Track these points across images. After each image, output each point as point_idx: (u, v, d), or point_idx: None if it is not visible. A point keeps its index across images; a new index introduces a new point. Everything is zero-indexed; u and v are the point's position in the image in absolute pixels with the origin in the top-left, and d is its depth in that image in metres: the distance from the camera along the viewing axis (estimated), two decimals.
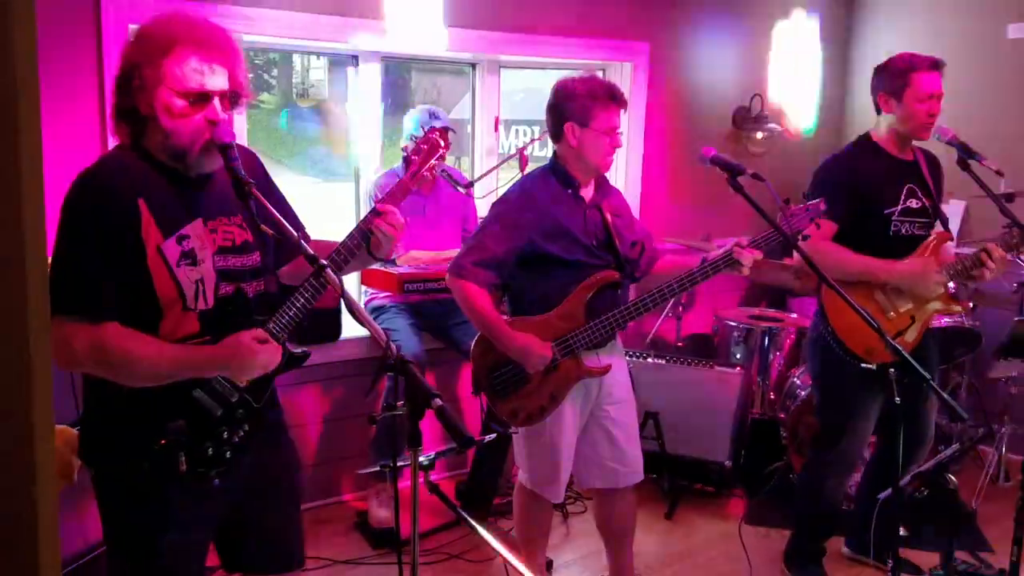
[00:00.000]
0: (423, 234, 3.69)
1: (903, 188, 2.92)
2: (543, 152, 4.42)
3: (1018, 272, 3.74)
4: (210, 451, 1.79)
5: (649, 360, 4.01)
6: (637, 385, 3.28)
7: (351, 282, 3.82)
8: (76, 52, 3.06)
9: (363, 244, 1.89)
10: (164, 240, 1.71)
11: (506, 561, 2.09)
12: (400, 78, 4.68)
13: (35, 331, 0.77)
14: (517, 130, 4.84)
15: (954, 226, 4.27)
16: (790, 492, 3.74)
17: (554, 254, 2.58)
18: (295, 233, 1.74)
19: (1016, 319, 3.74)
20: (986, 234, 3.11)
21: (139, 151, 1.75)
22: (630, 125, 4.36)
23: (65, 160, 2.37)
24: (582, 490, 2.90)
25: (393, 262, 3.53)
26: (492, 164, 4.02)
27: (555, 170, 2.67)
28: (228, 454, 1.82)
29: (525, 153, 3.62)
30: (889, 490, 2.43)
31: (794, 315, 4.33)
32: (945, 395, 2.22)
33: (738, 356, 4.19)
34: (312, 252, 1.72)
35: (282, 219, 1.74)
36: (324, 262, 1.71)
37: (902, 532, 3.45)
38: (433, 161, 2.00)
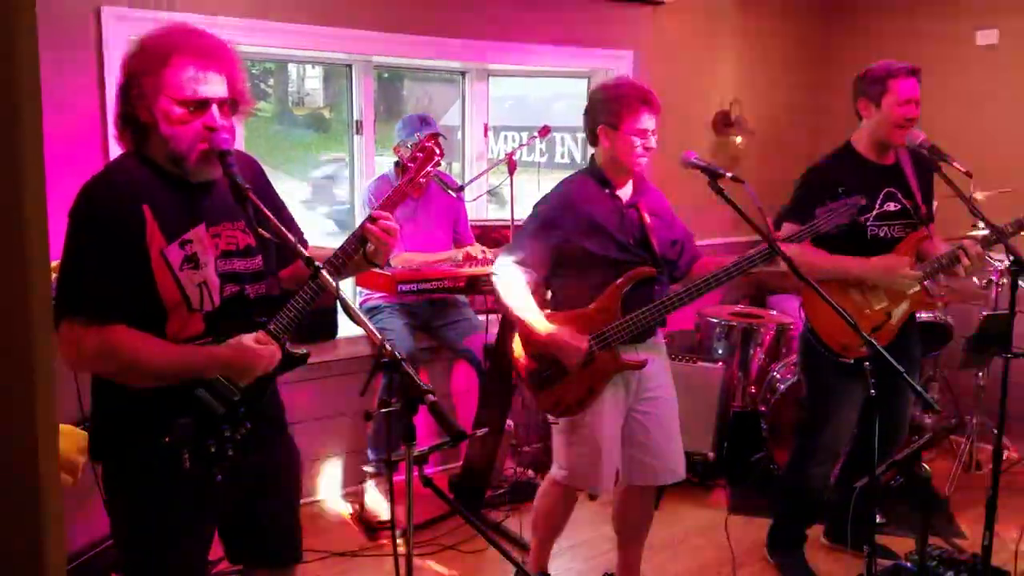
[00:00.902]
0: (415, 236, 3.78)
1: (880, 193, 3.01)
2: (531, 157, 4.54)
3: (987, 269, 3.87)
4: (213, 448, 1.84)
5: None
6: None
7: (347, 283, 3.92)
8: (77, 65, 3.14)
9: (359, 249, 1.92)
10: (167, 245, 1.75)
11: (499, 551, 2.17)
12: (392, 86, 4.77)
13: (38, 332, 0.78)
14: (506, 136, 4.93)
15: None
16: (771, 482, 3.87)
17: (591, 251, 2.63)
18: (292, 237, 1.79)
19: (985, 314, 3.87)
20: (956, 232, 3.22)
21: (143, 158, 1.80)
22: None
23: (67, 167, 2.47)
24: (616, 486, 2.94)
25: (388, 264, 3.62)
26: (482, 169, 4.12)
27: (592, 171, 2.73)
28: (230, 451, 1.86)
29: (513, 158, 3.70)
30: (865, 479, 2.52)
31: (774, 312, 4.45)
32: (918, 387, 2.29)
33: (720, 352, 4.30)
34: (308, 255, 1.78)
35: (279, 224, 1.78)
36: (319, 264, 1.76)
37: (878, 519, 3.55)
38: (429, 168, 2.02)
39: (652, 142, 2.64)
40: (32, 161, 0.76)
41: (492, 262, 3.69)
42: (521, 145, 3.84)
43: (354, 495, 3.88)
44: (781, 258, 2.45)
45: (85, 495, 2.83)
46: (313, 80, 4.84)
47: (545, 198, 2.77)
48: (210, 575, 2.83)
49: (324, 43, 3.67)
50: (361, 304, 3.83)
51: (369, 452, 3.76)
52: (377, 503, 3.67)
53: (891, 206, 3.03)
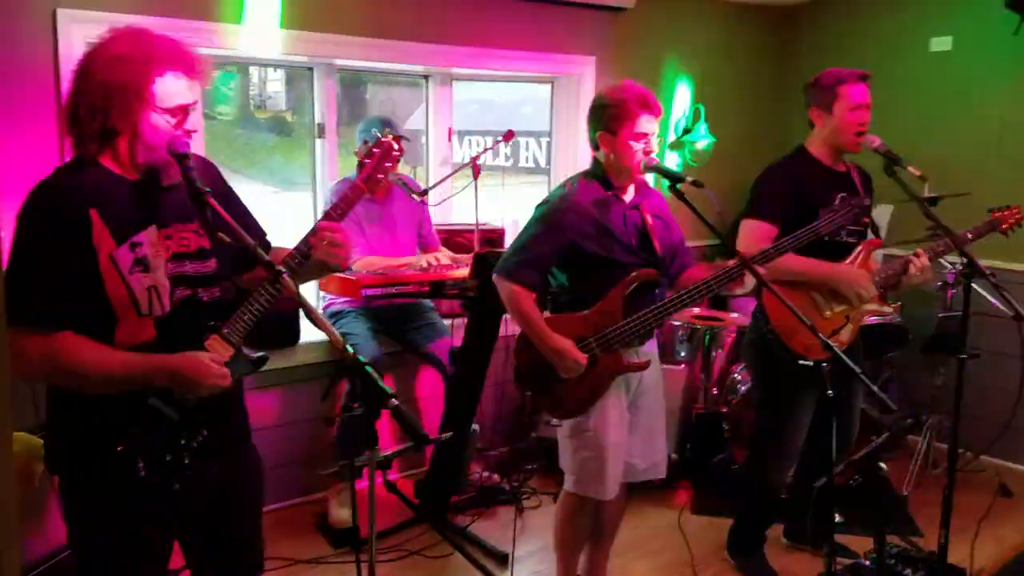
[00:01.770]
0: (380, 241, 3.77)
1: (835, 198, 3.06)
2: (495, 161, 4.55)
3: (941, 272, 3.95)
4: (169, 457, 1.81)
5: None
6: None
7: (309, 287, 3.89)
8: (33, 65, 3.09)
9: (308, 258, 1.88)
10: (117, 247, 1.73)
11: (464, 557, 2.17)
12: (355, 90, 4.75)
13: None
14: (470, 140, 4.94)
15: (881, 230, 4.49)
16: (733, 482, 3.91)
17: (594, 253, 2.63)
18: (251, 240, 1.78)
19: (940, 316, 3.95)
20: (913, 235, 3.28)
21: (93, 161, 1.78)
22: (577, 135, 4.50)
23: (22, 172, 2.43)
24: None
25: (349, 268, 3.60)
26: (446, 173, 4.13)
27: (595, 174, 2.73)
28: (187, 460, 1.83)
29: (478, 163, 3.70)
30: (824, 479, 2.55)
31: (735, 315, 4.50)
32: (875, 388, 2.34)
33: (682, 354, 4.34)
34: (268, 259, 1.76)
35: (237, 226, 1.77)
36: (281, 268, 1.75)
37: (837, 519, 3.60)
38: (387, 165, 1.98)
39: (652, 145, 2.63)
40: None
41: (457, 267, 3.71)
42: (486, 149, 3.84)
43: (317, 502, 3.85)
44: (743, 264, 2.47)
45: (42, 504, 2.79)
46: (275, 83, 4.81)
47: (549, 199, 2.75)
48: None
49: (286, 47, 3.65)
50: (325, 309, 3.81)
51: (332, 457, 3.73)
52: (340, 510, 3.64)
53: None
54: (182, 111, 1.78)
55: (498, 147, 3.88)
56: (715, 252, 4.91)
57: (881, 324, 3.96)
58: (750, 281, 2.59)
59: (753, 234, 2.99)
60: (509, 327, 2.75)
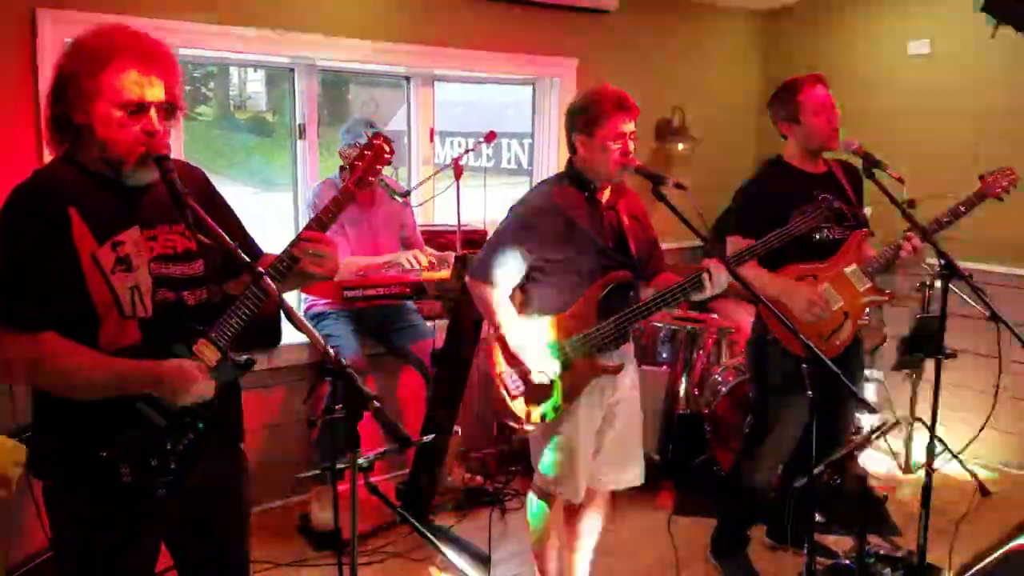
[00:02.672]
0: (362, 242, 3.76)
1: (817, 199, 3.10)
2: (478, 163, 4.54)
3: (919, 273, 3.99)
4: (154, 462, 1.79)
5: None
6: None
7: (292, 289, 3.87)
8: (11, 66, 3.07)
9: (291, 266, 1.86)
10: (99, 247, 1.71)
11: (446, 559, 2.16)
12: (337, 90, 4.74)
13: None
14: (452, 141, 4.94)
15: None
16: (715, 483, 3.93)
17: (569, 255, 2.62)
18: (231, 242, 1.74)
19: (918, 316, 3.99)
20: (890, 238, 3.30)
21: (73, 162, 1.76)
22: (558, 136, 4.52)
23: (1, 173, 2.41)
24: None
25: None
26: (428, 174, 4.12)
27: (570, 175, 2.71)
28: (173, 465, 1.82)
29: (460, 163, 3.71)
30: (804, 479, 2.57)
31: (715, 316, 4.52)
32: (854, 388, 2.34)
33: (664, 355, 4.35)
34: (248, 260, 1.74)
35: (218, 228, 1.74)
36: (262, 271, 1.73)
37: (818, 519, 3.63)
38: (378, 167, 1.95)
39: (629, 146, 2.61)
40: None
41: (437, 267, 3.71)
42: (468, 150, 3.84)
43: (299, 504, 3.84)
44: (728, 269, 2.47)
45: (21, 508, 2.76)
46: (255, 83, 4.78)
47: (523, 200, 2.75)
48: None
49: (266, 47, 3.63)
50: (306, 310, 3.79)
51: (313, 460, 3.71)
52: (322, 512, 3.63)
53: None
54: (138, 107, 1.72)
55: (480, 148, 3.87)
56: (696, 254, 4.93)
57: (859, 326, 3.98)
58: (711, 290, 2.56)
59: (735, 249, 3.00)
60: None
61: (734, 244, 3.05)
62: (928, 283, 4.08)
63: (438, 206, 4.34)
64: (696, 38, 5.08)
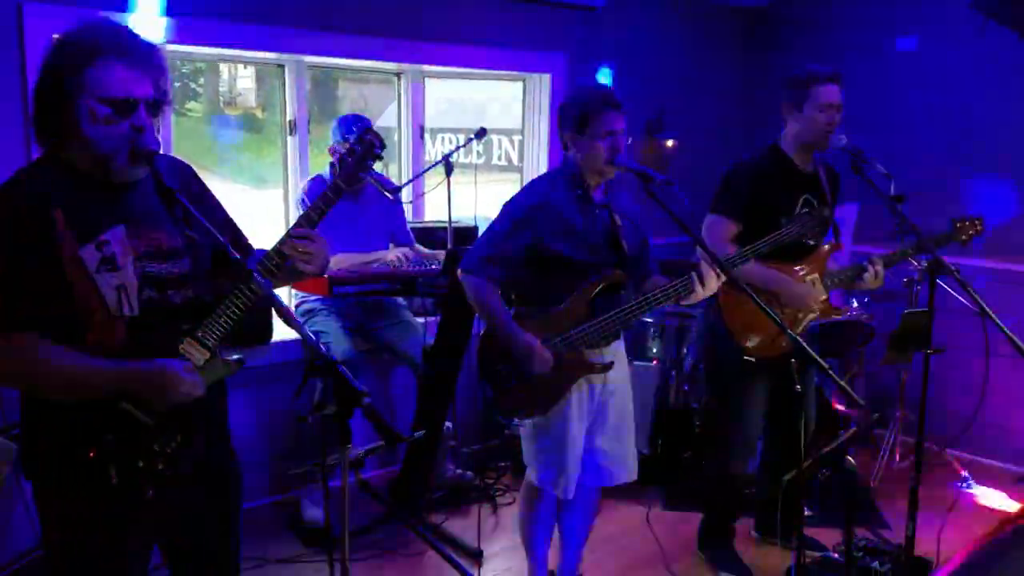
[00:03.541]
0: (352, 239, 3.75)
1: (799, 199, 3.10)
2: (467, 159, 4.55)
3: (907, 269, 4.02)
4: (141, 463, 1.78)
5: None
6: None
7: (282, 286, 3.87)
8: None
9: (283, 262, 1.85)
10: (83, 246, 1.69)
11: (438, 554, 2.17)
12: (327, 87, 4.72)
13: None
14: (442, 138, 4.93)
15: (849, 226, 4.56)
16: (702, 478, 3.94)
17: (561, 252, 2.62)
18: (222, 238, 1.75)
19: (905, 311, 4.00)
20: (880, 232, 3.33)
21: (58, 160, 1.74)
22: (548, 133, 4.52)
23: None
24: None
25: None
26: (418, 171, 4.12)
27: (564, 173, 2.72)
28: (161, 466, 1.80)
29: (450, 160, 3.71)
30: (792, 472, 2.59)
31: None
32: (843, 383, 2.36)
33: (654, 351, 4.37)
34: (238, 257, 1.73)
35: (208, 224, 1.73)
36: (251, 268, 1.72)
37: (806, 512, 3.67)
38: (368, 163, 1.93)
39: (620, 142, 2.62)
40: None
41: (427, 263, 3.71)
42: (458, 147, 3.84)
43: (290, 501, 3.84)
44: (720, 267, 2.48)
45: (8, 506, 2.75)
46: (245, 79, 4.75)
47: (516, 196, 2.75)
48: None
49: (256, 43, 3.62)
50: (297, 307, 3.79)
51: (304, 456, 3.71)
52: (312, 508, 3.63)
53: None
54: (123, 103, 1.69)
55: (470, 145, 3.88)
56: (685, 250, 4.95)
57: (849, 320, 4.02)
58: (701, 294, 2.57)
59: (715, 230, 3.02)
60: (482, 325, 2.74)
61: (711, 224, 3.08)
62: (916, 278, 4.10)
63: (429, 203, 4.34)
64: (685, 34, 5.09)
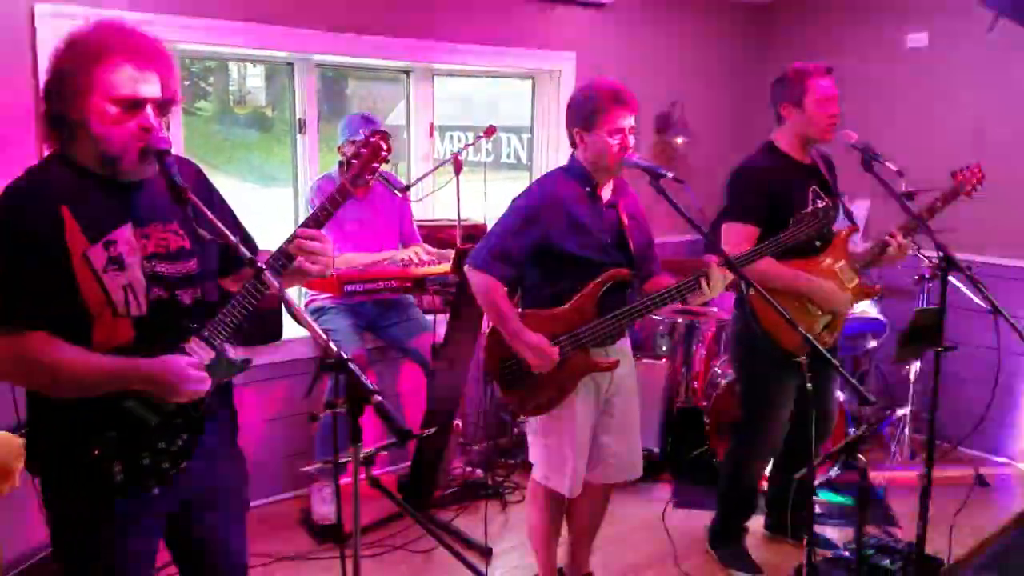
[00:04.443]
0: (361, 237, 3.77)
1: (809, 190, 3.11)
2: (477, 157, 4.55)
3: (918, 265, 4.00)
4: (146, 461, 1.79)
5: None
6: None
7: (288, 287, 3.87)
8: (13, 64, 3.06)
9: (287, 264, 1.86)
10: (90, 246, 1.70)
11: (448, 551, 2.18)
12: (336, 85, 4.74)
13: None
14: (451, 136, 4.93)
15: (860, 224, 4.54)
16: (713, 476, 3.94)
17: (568, 250, 2.62)
18: (232, 237, 1.74)
19: (916, 308, 3.99)
20: (890, 229, 3.32)
21: (67, 159, 1.75)
22: (558, 131, 4.52)
23: (2, 171, 2.40)
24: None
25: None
26: (427, 169, 4.12)
27: (573, 170, 2.72)
28: (166, 464, 1.81)
29: (459, 158, 3.71)
30: (803, 470, 2.58)
31: (714, 309, 4.53)
32: (854, 381, 2.36)
33: (663, 348, 4.37)
34: (249, 255, 1.74)
35: (218, 223, 1.74)
36: (262, 265, 1.73)
37: (817, 510, 3.67)
38: (374, 165, 1.93)
39: (628, 141, 2.61)
40: None
41: (437, 262, 3.71)
42: (467, 145, 3.84)
43: (300, 498, 3.85)
44: (729, 266, 2.47)
45: (21, 503, 2.77)
46: (255, 78, 4.77)
47: (525, 193, 2.74)
48: None
49: (265, 41, 3.63)
50: (307, 305, 3.80)
51: (315, 454, 3.73)
52: (324, 505, 3.64)
53: (820, 204, 3.09)
54: (133, 102, 1.70)
55: (479, 143, 3.88)
56: (692, 248, 4.94)
57: (859, 318, 4.01)
58: (708, 294, 2.56)
59: (736, 236, 3.00)
60: (491, 321, 2.75)
61: (731, 231, 3.06)
62: (927, 275, 4.08)
63: (438, 201, 4.34)
64: (695, 30, 5.07)
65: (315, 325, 1.74)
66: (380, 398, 1.61)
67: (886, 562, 3.10)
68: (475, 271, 2.67)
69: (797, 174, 3.13)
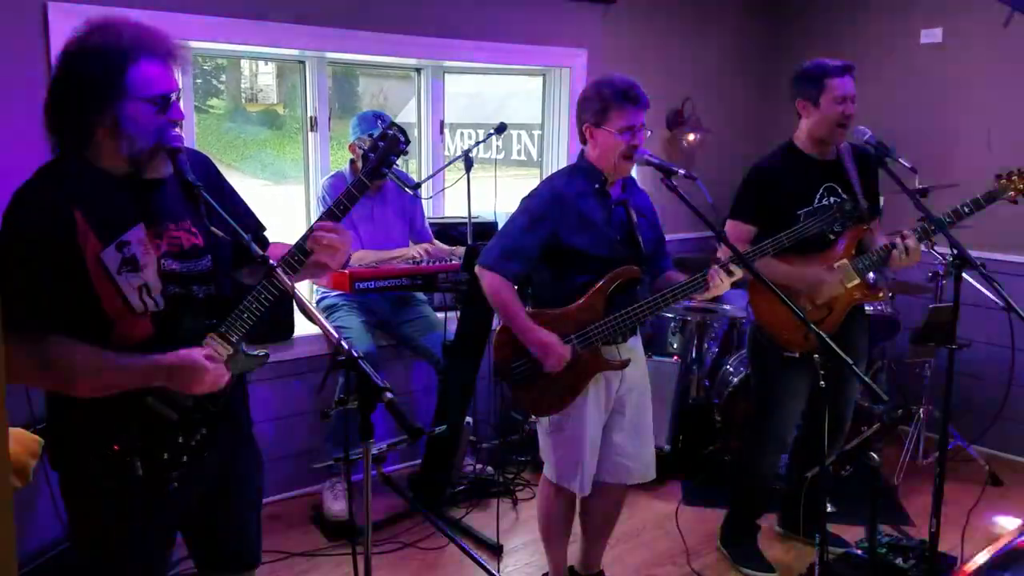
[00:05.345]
0: (372, 234, 3.77)
1: (820, 187, 3.09)
2: (487, 154, 4.55)
3: (931, 262, 3.98)
4: (166, 456, 1.81)
5: None
6: None
7: (303, 281, 3.89)
8: (26, 63, 3.07)
9: (303, 260, 1.86)
10: (104, 248, 1.69)
11: (459, 548, 2.18)
12: (347, 83, 4.74)
13: None
14: (462, 133, 4.93)
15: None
16: (725, 473, 3.93)
17: (578, 248, 2.61)
18: (245, 235, 1.75)
19: (930, 306, 3.97)
20: (903, 226, 3.29)
21: (77, 159, 1.74)
22: (568, 128, 4.51)
23: (13, 169, 2.42)
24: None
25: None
26: (438, 166, 4.13)
27: (583, 167, 2.70)
28: (185, 458, 1.83)
29: (470, 156, 3.71)
30: (816, 469, 2.57)
31: (727, 306, 4.51)
32: (866, 378, 2.32)
33: (675, 346, 4.36)
34: (261, 253, 1.74)
35: (232, 221, 1.74)
36: (273, 263, 1.73)
37: (829, 508, 3.64)
38: (392, 158, 1.92)
39: (640, 137, 2.60)
40: None
41: (448, 259, 3.72)
42: (477, 142, 3.84)
43: (312, 494, 3.86)
44: (741, 261, 2.47)
45: (36, 500, 2.79)
46: (266, 76, 4.79)
47: (535, 191, 2.74)
48: None
49: (277, 39, 3.64)
50: (318, 302, 3.81)
51: (327, 451, 3.74)
52: (335, 502, 3.65)
53: (830, 200, 3.09)
54: (163, 98, 1.72)
55: (490, 140, 3.87)
56: (704, 245, 4.93)
57: (872, 315, 3.98)
58: (715, 290, 2.56)
59: (731, 234, 3.00)
60: (502, 320, 2.74)
61: (732, 228, 3.07)
62: (941, 272, 4.06)
63: (448, 198, 4.35)
64: (705, 27, 5.05)
65: (326, 323, 1.75)
66: (391, 395, 1.61)
67: (899, 560, 3.09)
68: (486, 270, 2.66)
69: (810, 172, 3.10)
